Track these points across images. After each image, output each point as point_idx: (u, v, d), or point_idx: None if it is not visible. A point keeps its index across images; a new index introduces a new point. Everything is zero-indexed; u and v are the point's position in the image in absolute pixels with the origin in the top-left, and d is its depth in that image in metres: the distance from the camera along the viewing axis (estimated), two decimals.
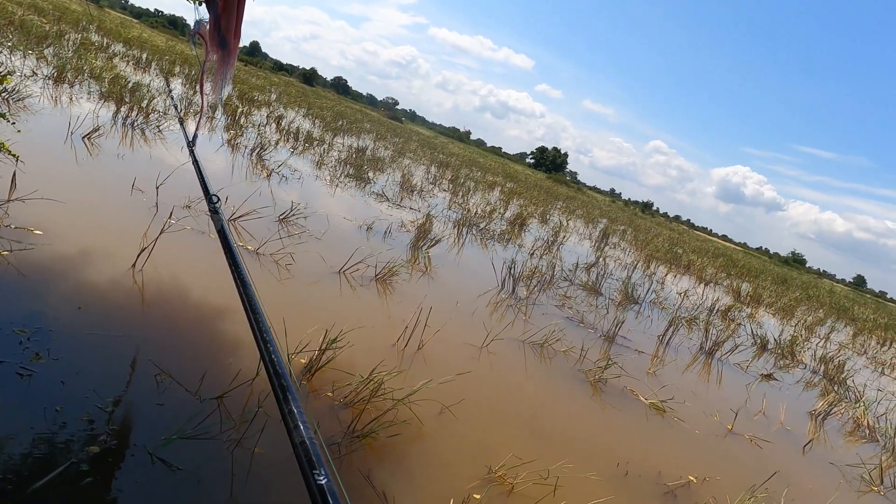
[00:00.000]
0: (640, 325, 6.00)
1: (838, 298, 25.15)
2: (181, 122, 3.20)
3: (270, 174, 6.70)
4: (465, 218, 8.42)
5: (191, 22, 2.64)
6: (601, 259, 9.32)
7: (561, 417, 3.18)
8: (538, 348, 4.04)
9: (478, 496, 2.12)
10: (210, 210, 1.76)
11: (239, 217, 4.35)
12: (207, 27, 2.53)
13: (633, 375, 4.14)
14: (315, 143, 11.43)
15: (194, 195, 4.36)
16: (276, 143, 9.42)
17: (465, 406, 2.70)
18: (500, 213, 11.14)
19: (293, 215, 4.94)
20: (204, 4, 2.52)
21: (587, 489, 2.40)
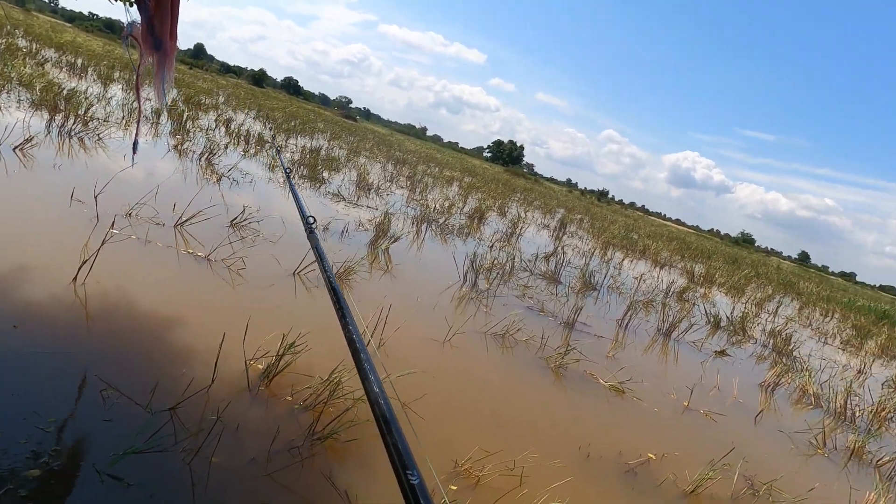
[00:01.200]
0: (598, 311, 6.13)
1: (785, 275, 26.30)
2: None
3: (220, 178, 6.53)
4: (424, 214, 8.42)
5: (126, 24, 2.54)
6: (559, 248, 9.47)
7: (524, 406, 3.22)
8: (500, 339, 4.08)
9: (454, 487, 2.13)
10: (306, 230, 1.78)
11: (185, 221, 4.22)
12: (140, 29, 2.44)
13: (593, 360, 4.22)
14: (267, 145, 11.20)
15: (136, 202, 4.21)
16: (226, 147, 9.19)
17: (427, 401, 2.70)
18: (458, 207, 11.17)
19: (245, 219, 4.83)
20: (135, 5, 2.43)
21: (552, 476, 2.43)
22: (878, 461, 4.02)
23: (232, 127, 12.04)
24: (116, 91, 12.57)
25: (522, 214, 14.10)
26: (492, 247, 7.95)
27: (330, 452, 2.11)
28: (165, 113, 10.87)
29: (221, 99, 21.49)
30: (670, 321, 6.10)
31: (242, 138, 10.85)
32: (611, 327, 5.56)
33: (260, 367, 2.50)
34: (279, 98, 51.32)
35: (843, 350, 9.21)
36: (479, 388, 3.24)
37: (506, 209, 14.10)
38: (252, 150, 9.94)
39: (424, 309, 4.28)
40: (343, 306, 1.43)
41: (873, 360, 8.78)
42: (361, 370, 1.19)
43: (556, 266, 7.59)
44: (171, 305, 2.94)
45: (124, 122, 8.38)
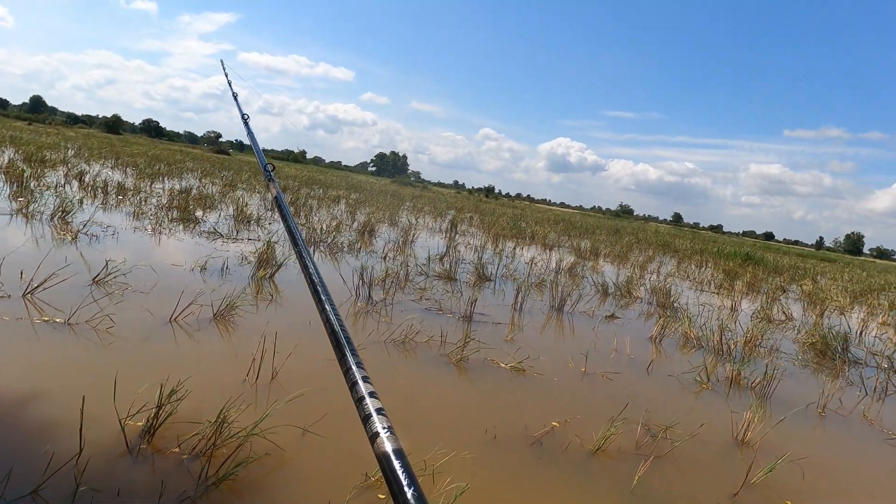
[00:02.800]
0: (495, 300, 6.33)
1: (662, 237, 28.68)
2: None
3: (77, 236, 5.97)
4: (310, 236, 8.23)
5: None
6: (452, 248, 9.65)
7: (430, 405, 3.25)
8: (400, 345, 4.09)
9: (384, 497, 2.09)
10: (267, 179, 1.85)
11: (36, 288, 3.82)
12: None
13: (492, 346, 4.35)
14: (130, 193, 10.41)
15: None
16: (82, 202, 8.42)
17: (328, 421, 2.64)
18: (347, 224, 11.05)
19: (109, 274, 4.46)
20: None
21: (463, 466, 2.48)
22: (752, 383, 4.50)
23: (86, 180, 11.06)
24: None
25: (413, 222, 14.22)
26: (385, 257, 7.95)
27: (228, 494, 2.00)
28: (2, 175, 9.78)
29: (71, 152, 19.67)
30: (562, 297, 6.42)
31: (100, 190, 10.00)
32: (507, 313, 5.76)
33: (140, 423, 2.32)
34: (140, 143, 47.96)
35: (718, 293, 10.19)
36: (382, 396, 3.22)
37: (396, 219, 14.15)
38: (113, 202, 9.19)
39: (317, 331, 4.19)
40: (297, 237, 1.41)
41: (742, 297, 9.82)
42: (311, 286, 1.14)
43: (450, 265, 7.73)
44: (27, 381, 2.65)
45: None
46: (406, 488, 0.69)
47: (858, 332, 7.92)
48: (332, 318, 1.05)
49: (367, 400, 0.83)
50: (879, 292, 15.25)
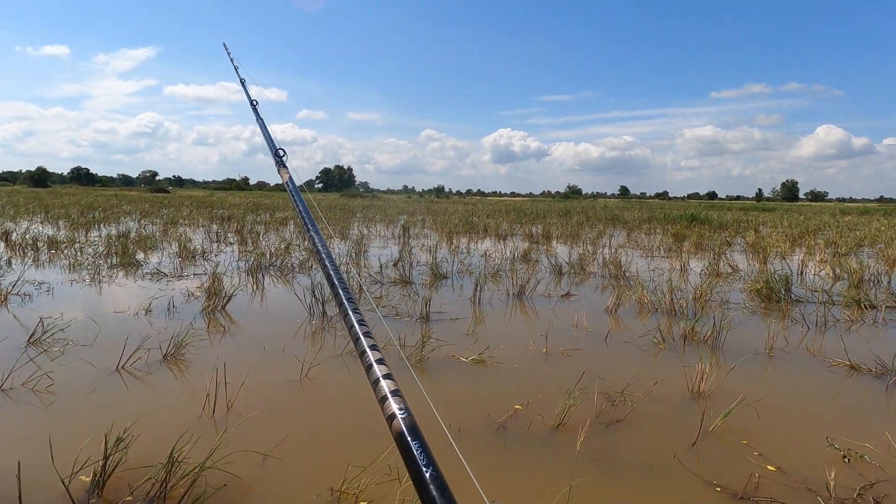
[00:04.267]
0: (453, 296, 6.35)
1: (611, 211, 29.39)
2: None
3: (6, 298, 5.67)
4: (258, 262, 8.06)
5: None
6: (406, 252, 9.63)
7: None
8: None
9: None
10: (277, 164, 1.86)
11: None
12: None
13: (452, 342, 4.37)
14: (63, 245, 9.96)
15: None
16: (10, 262, 8.01)
17: (289, 443, 2.60)
18: (297, 244, 10.88)
19: (46, 333, 4.26)
20: None
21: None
22: (704, 337, 4.67)
23: (13, 238, 10.52)
24: None
25: (365, 232, 14.12)
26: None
27: None
28: None
29: None
30: (519, 284, 6.50)
31: (29, 247, 9.53)
32: (467, 308, 5.79)
33: (85, 478, 2.23)
34: (71, 192, 45.97)
35: (667, 258, 10.51)
36: (343, 411, 3.19)
37: (348, 232, 14.02)
38: (45, 256, 8.78)
39: (274, 355, 4.11)
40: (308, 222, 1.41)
41: (690, 257, 10.16)
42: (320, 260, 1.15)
43: (405, 269, 7.72)
44: None
45: None
46: (424, 469, 0.69)
47: (799, 272, 8.32)
48: (347, 305, 1.05)
49: (382, 382, 0.84)
50: (816, 233, 16.07)
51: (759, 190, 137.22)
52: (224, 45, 3.22)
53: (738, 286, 7.23)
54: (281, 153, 1.94)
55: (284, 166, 1.88)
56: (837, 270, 8.16)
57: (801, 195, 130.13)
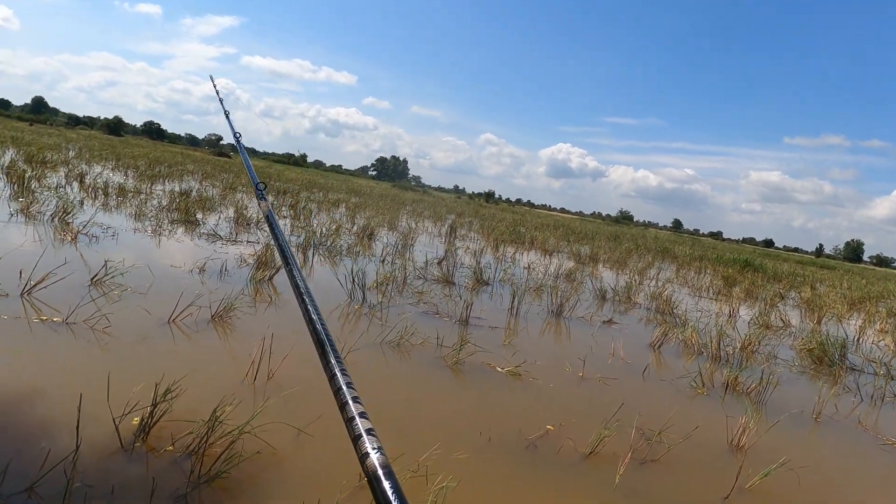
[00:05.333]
0: (493, 304, 6.34)
1: (662, 243, 28.71)
2: None
3: (76, 237, 5.99)
4: (309, 240, 8.24)
5: None
6: (451, 252, 9.66)
7: (425, 407, 3.26)
8: (396, 347, 4.10)
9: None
10: (258, 197, 1.87)
11: (33, 288, 3.84)
12: None
13: (489, 350, 4.36)
14: (130, 194, 10.44)
15: None
16: (82, 203, 8.46)
17: (322, 422, 2.65)
18: (346, 228, 11.07)
19: (108, 275, 4.47)
20: None
21: (457, 467, 2.48)
22: (748, 389, 4.50)
23: (87, 181, 11.10)
24: None
25: (413, 226, 14.24)
26: (383, 261, 7.97)
27: (220, 492, 2.01)
28: (3, 176, 9.81)
29: (72, 153, 19.73)
30: (560, 302, 6.43)
31: (101, 191, 10.03)
32: (504, 317, 5.77)
33: (135, 422, 2.33)
34: (140, 145, 48.06)
35: (716, 300, 10.19)
36: (378, 398, 3.23)
37: (396, 223, 14.17)
38: (113, 203, 9.22)
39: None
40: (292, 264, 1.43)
41: (740, 304, 9.82)
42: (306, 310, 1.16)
43: (448, 269, 7.75)
44: (23, 380, 2.66)
45: None
46: None
47: (856, 339, 7.92)
48: (323, 335, 1.06)
49: (358, 420, 0.84)
50: (878, 300, 15.26)
51: (820, 245, 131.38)
52: (210, 77, 3.37)
53: (788, 342, 6.95)
54: (262, 186, 1.98)
55: (264, 199, 1.91)
56: None
57: (865, 257, 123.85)
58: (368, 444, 0.78)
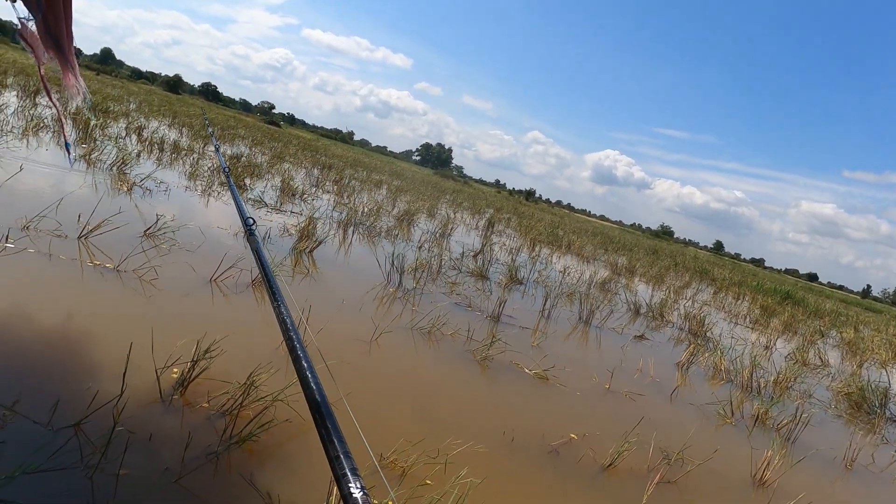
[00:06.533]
0: (524, 304, 6.31)
1: (701, 263, 27.98)
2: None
3: (132, 188, 6.21)
4: (350, 218, 8.34)
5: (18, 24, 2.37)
6: (487, 246, 9.64)
7: (450, 398, 3.28)
8: (426, 335, 4.12)
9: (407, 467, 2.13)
10: (246, 233, 1.79)
11: (91, 232, 4.00)
12: (32, 27, 2.30)
13: (518, 350, 4.35)
14: (184, 152, 10.74)
15: (32, 214, 3.94)
16: (139, 156, 8.74)
17: (351, 399, 2.69)
18: (387, 210, 11.16)
19: (160, 229, 4.63)
20: (21, 2, 2.28)
21: (476, 461, 2.50)
22: (778, 425, 4.38)
23: (145, 135, 11.45)
24: (10, 98, 11.66)
25: (451, 215, 14.25)
26: (420, 247, 8.00)
27: (249, 455, 2.07)
28: (71, 121, 10.19)
29: (133, 106, 20.38)
30: (591, 310, 6.36)
31: (157, 146, 10.35)
32: (535, 318, 5.74)
33: (174, 375, 2.42)
34: (196, 104, 49.25)
35: (752, 329, 9.91)
36: (405, 383, 3.27)
37: (435, 211, 14.21)
38: (167, 159, 9.50)
39: (350, 310, 4.26)
40: (278, 296, 1.46)
41: (777, 336, 9.52)
42: (297, 360, 1.20)
43: (483, 263, 7.73)
44: (74, 320, 2.78)
45: (26, 130, 7.79)
46: None
47: None
48: (322, 398, 1.07)
49: (342, 458, 0.87)
50: None
51: (868, 286, 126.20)
52: (204, 115, 3.41)
53: (825, 382, 6.71)
54: (251, 221, 1.98)
55: (253, 235, 1.92)
56: None
57: None
58: (353, 485, 0.80)
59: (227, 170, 3.38)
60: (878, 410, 5.75)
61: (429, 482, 2.24)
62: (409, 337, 4.01)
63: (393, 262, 5.56)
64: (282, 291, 1.70)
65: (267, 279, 1.66)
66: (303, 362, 1.21)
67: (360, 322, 4.01)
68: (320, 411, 1.00)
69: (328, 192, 11.86)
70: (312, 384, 1.12)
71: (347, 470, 0.84)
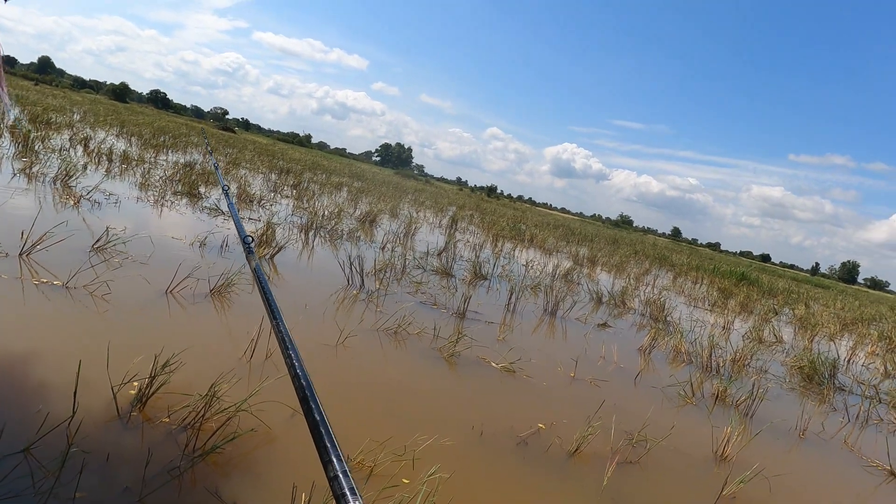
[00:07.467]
0: (489, 299, 6.36)
1: (660, 250, 28.73)
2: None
3: (79, 201, 5.98)
4: (311, 221, 8.24)
5: None
6: (451, 244, 9.67)
7: (418, 396, 3.28)
8: (392, 335, 4.11)
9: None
10: (245, 251, 1.72)
11: (32, 248, 3.83)
12: None
13: (484, 345, 4.38)
14: (134, 162, 10.40)
15: None
16: (86, 168, 8.42)
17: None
18: (348, 212, 11.06)
19: (109, 242, 4.47)
20: None
21: (445, 456, 2.51)
22: (736, 401, 4.54)
23: (91, 146, 11.04)
24: None
25: (414, 215, 14.24)
26: (384, 248, 7.97)
27: (213, 467, 2.03)
28: (7, 135, 9.74)
29: (77, 117, 19.61)
30: (556, 301, 6.46)
31: (105, 157, 9.99)
32: (500, 313, 5.79)
33: (133, 392, 2.35)
34: (146, 113, 47.76)
35: (711, 311, 10.24)
36: (372, 384, 3.26)
37: (397, 211, 14.16)
38: (117, 170, 9.19)
39: (314, 315, 4.22)
40: (274, 308, 1.42)
41: (735, 317, 9.87)
42: (296, 378, 1.16)
43: (447, 261, 7.76)
44: (20, 341, 2.67)
45: None
46: None
47: (847, 359, 7.98)
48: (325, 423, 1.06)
49: (341, 478, 0.86)
50: (870, 322, 15.34)
51: (817, 264, 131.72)
52: (202, 129, 3.38)
53: (779, 358, 6.99)
54: (249, 239, 1.96)
55: (252, 253, 1.89)
56: (889, 367, 7.79)
57: (860, 279, 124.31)
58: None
59: (226, 188, 3.18)
60: (828, 381, 6.03)
61: (405, 481, 2.24)
62: (375, 338, 3.99)
63: (354, 264, 5.52)
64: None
65: (266, 297, 1.60)
66: (301, 381, 1.16)
67: (325, 326, 3.97)
68: (318, 430, 0.97)
69: (287, 196, 11.68)
70: (312, 404, 1.06)
71: (346, 490, 0.83)
